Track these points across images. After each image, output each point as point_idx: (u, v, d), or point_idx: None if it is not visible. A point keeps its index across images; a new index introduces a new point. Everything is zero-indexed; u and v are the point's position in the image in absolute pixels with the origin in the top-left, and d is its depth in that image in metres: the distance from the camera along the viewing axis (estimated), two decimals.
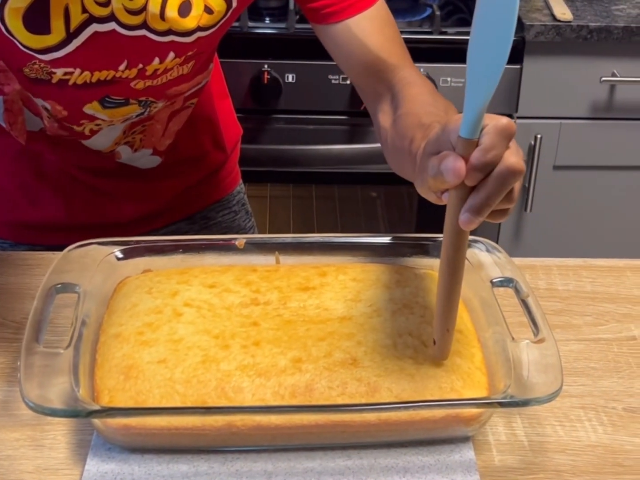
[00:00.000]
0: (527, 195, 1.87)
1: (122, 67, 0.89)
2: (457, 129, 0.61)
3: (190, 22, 0.87)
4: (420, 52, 1.73)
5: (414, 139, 0.76)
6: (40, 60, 0.86)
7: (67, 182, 1.09)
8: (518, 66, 1.75)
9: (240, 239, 0.88)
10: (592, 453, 0.74)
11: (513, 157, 0.61)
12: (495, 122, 0.60)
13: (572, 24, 1.72)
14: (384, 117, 0.91)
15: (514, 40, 1.75)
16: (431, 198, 0.67)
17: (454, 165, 0.60)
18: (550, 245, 1.93)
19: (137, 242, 0.87)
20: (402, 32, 1.78)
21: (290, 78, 1.74)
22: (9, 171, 1.08)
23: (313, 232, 2.04)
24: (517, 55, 1.74)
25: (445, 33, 1.75)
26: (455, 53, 1.73)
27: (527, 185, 1.86)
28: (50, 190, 1.09)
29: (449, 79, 1.72)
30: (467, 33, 1.84)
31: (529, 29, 1.72)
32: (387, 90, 0.92)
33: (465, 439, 0.73)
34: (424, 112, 0.81)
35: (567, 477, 0.71)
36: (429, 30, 1.76)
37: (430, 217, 1.98)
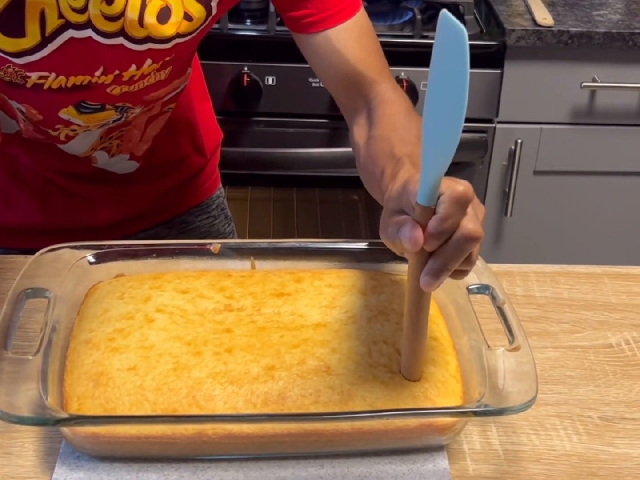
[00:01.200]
0: (507, 200, 1.87)
1: (97, 73, 0.88)
2: (416, 192, 0.62)
3: (169, 29, 0.86)
4: (401, 55, 1.73)
5: (384, 172, 0.77)
6: (15, 64, 0.85)
7: (43, 185, 1.08)
8: (499, 71, 1.75)
9: (215, 244, 0.87)
10: (567, 462, 0.73)
11: (470, 224, 0.61)
12: (451, 190, 0.61)
13: (553, 29, 1.72)
14: (358, 132, 0.91)
15: (495, 45, 1.76)
16: (395, 252, 0.68)
17: (411, 235, 0.61)
18: (530, 251, 1.93)
19: (110, 246, 0.85)
20: (382, 36, 1.78)
21: (270, 80, 1.73)
22: None
23: (294, 235, 2.03)
24: (498, 59, 1.74)
25: (426, 37, 1.75)
26: None
27: (507, 190, 1.86)
28: (26, 193, 1.08)
29: None
30: None
31: (510, 33, 1.72)
32: (363, 104, 0.92)
33: (439, 448, 0.72)
34: (397, 139, 0.81)
35: None
36: (410, 34, 1.76)
37: None
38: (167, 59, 0.90)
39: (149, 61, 0.89)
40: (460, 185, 0.61)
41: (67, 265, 0.82)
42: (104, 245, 0.85)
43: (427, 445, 0.72)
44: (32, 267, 0.81)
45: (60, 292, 0.79)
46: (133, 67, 0.88)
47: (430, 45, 1.86)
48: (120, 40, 0.85)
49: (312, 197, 2.16)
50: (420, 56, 1.73)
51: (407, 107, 0.90)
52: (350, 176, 1.92)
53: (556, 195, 1.90)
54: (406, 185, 0.64)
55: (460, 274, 0.66)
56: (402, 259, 0.88)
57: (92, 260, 0.84)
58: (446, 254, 0.62)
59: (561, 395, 0.80)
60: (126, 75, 0.89)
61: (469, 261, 0.64)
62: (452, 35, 0.55)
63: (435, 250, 0.62)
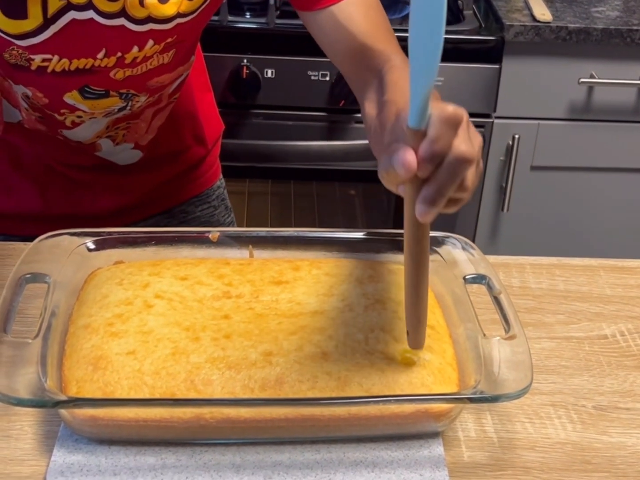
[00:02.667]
0: (504, 195, 1.87)
1: (100, 55, 0.88)
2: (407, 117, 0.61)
3: (169, 9, 0.86)
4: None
5: None
6: (18, 46, 0.85)
7: (44, 172, 1.08)
8: (497, 66, 1.75)
9: (214, 232, 0.87)
10: (561, 450, 0.74)
11: (463, 146, 0.60)
12: (440, 111, 0.59)
13: (551, 24, 1.72)
14: (369, 106, 0.89)
15: (493, 40, 1.76)
16: (394, 190, 0.66)
17: (404, 159, 0.59)
18: (526, 246, 1.94)
19: (110, 233, 0.86)
20: None
21: (269, 73, 1.74)
22: None
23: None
24: (496, 55, 1.75)
25: None
26: None
27: (504, 185, 1.87)
28: (27, 180, 1.08)
29: None
30: (447, 32, 1.84)
31: (508, 29, 1.72)
32: (373, 77, 0.90)
33: (434, 435, 0.73)
34: (404, 100, 0.80)
35: (536, 474, 0.71)
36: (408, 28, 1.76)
37: None
38: (169, 40, 0.90)
39: (150, 42, 0.89)
40: (450, 106, 0.60)
41: (67, 252, 0.83)
42: (103, 232, 0.86)
43: (422, 431, 0.73)
44: (32, 253, 0.81)
45: (60, 277, 0.79)
46: (135, 48, 0.89)
47: None
48: (121, 20, 0.85)
49: (310, 190, 2.16)
50: None
51: None
52: (347, 170, 1.93)
53: (553, 190, 1.90)
54: (399, 113, 0.64)
55: (455, 203, 0.64)
56: (400, 249, 0.89)
57: (92, 246, 0.84)
58: (439, 177, 0.60)
59: (556, 385, 0.81)
60: (128, 58, 0.89)
61: (464, 187, 0.62)
62: None
63: (429, 177, 0.61)
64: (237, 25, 1.75)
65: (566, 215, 1.94)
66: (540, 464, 0.72)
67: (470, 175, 0.62)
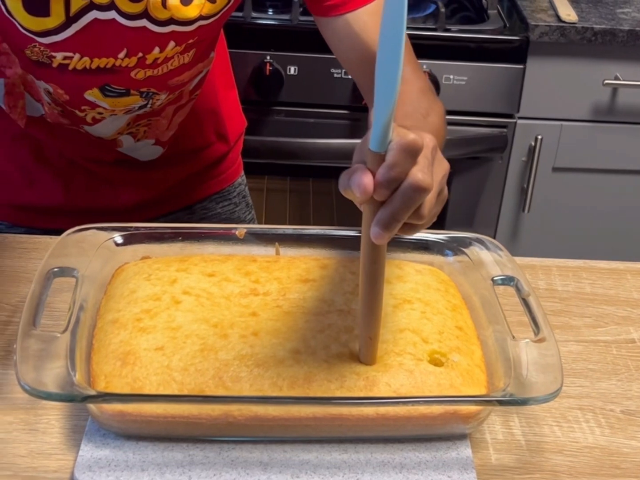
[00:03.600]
0: (525, 196, 1.86)
1: (121, 55, 0.88)
2: None
3: (192, 11, 0.86)
4: (423, 48, 1.71)
5: None
6: (40, 44, 0.86)
7: (67, 166, 1.08)
8: (521, 66, 1.75)
9: (240, 229, 0.87)
10: (589, 455, 0.73)
11: (419, 174, 0.60)
12: (400, 138, 0.60)
13: (576, 25, 1.71)
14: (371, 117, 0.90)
15: (518, 40, 1.75)
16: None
17: (360, 182, 0.60)
18: (547, 247, 1.93)
19: (137, 228, 0.86)
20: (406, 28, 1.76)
21: (292, 70, 1.74)
22: (8, 152, 1.07)
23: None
24: (520, 55, 1.74)
25: (449, 30, 1.75)
26: (458, 50, 1.72)
27: (525, 186, 1.86)
28: (50, 173, 1.09)
29: (451, 76, 1.72)
30: (471, 31, 1.85)
31: (533, 29, 1.71)
32: None
33: (462, 437, 0.72)
34: (401, 114, 0.80)
35: (564, 478, 0.71)
36: (433, 26, 1.75)
37: None
38: (191, 41, 0.90)
39: (172, 44, 0.89)
40: (411, 134, 0.60)
41: (94, 246, 0.83)
42: (131, 227, 0.86)
43: (450, 433, 0.72)
44: (60, 247, 0.81)
45: (88, 271, 0.79)
46: (156, 49, 0.89)
47: (452, 39, 1.86)
48: (143, 22, 0.85)
49: (328, 188, 2.16)
50: (443, 49, 1.73)
51: (422, 86, 0.89)
52: None
53: (575, 192, 1.89)
54: (367, 135, 0.63)
55: (410, 229, 0.64)
56: (425, 249, 0.89)
57: (119, 241, 0.84)
58: (393, 203, 0.61)
59: (583, 389, 0.80)
60: (150, 58, 0.89)
61: (418, 214, 0.62)
62: None
63: (385, 201, 0.61)
64: (260, 21, 1.75)
65: (587, 218, 1.92)
66: (569, 468, 0.72)
67: (428, 204, 0.63)
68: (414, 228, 0.65)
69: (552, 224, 1.93)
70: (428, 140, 0.64)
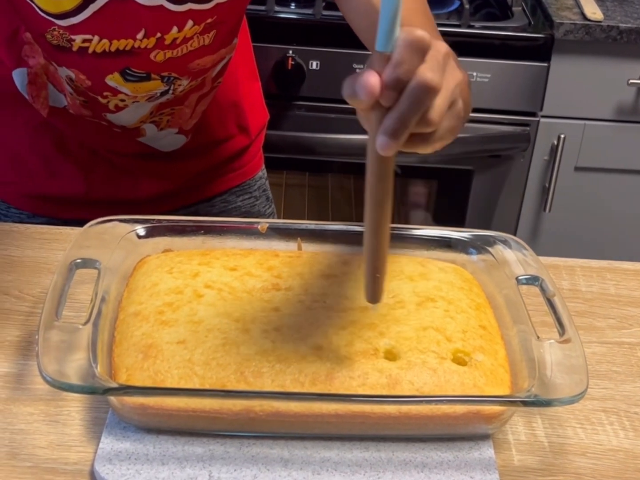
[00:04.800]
0: (546, 195, 1.85)
1: (139, 36, 0.87)
2: None
3: None
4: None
5: None
6: (59, 27, 0.86)
7: (88, 157, 1.08)
8: (545, 64, 1.73)
9: (262, 223, 0.87)
10: (613, 457, 0.72)
11: (428, 73, 0.56)
12: (407, 34, 0.56)
13: (602, 24, 1.70)
14: None
15: (543, 38, 1.74)
16: (365, 127, 0.62)
17: (366, 82, 0.56)
18: (568, 248, 1.92)
19: (159, 221, 0.86)
20: None
21: (314, 65, 1.73)
22: (30, 141, 1.07)
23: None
24: (545, 53, 1.72)
25: (472, 27, 1.74)
26: (482, 47, 1.71)
27: (547, 185, 1.85)
28: (71, 163, 1.09)
29: (475, 73, 1.70)
30: (495, 28, 1.83)
31: (558, 26, 1.70)
32: None
33: (484, 437, 0.72)
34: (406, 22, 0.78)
35: None
36: (457, 23, 1.74)
37: (447, 210, 1.97)
38: (209, 20, 0.90)
39: (190, 23, 0.88)
40: (419, 31, 0.56)
41: (116, 238, 0.82)
42: (153, 219, 0.85)
43: (472, 433, 0.71)
44: (82, 239, 0.81)
45: (110, 264, 0.79)
46: (174, 29, 0.88)
47: (476, 36, 1.85)
48: (160, 0, 0.85)
49: (347, 184, 2.15)
50: (467, 46, 1.72)
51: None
52: None
53: (597, 192, 1.88)
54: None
55: (421, 141, 0.60)
56: (448, 247, 0.88)
57: (141, 233, 0.84)
58: (400, 106, 0.57)
59: (607, 391, 0.79)
60: (168, 39, 0.89)
61: (427, 119, 0.58)
62: None
63: (392, 106, 0.57)
64: (283, 15, 1.74)
65: (610, 218, 1.91)
66: (592, 471, 0.71)
67: (437, 108, 0.58)
68: (425, 140, 0.60)
69: (573, 224, 1.91)
70: (440, 46, 0.60)
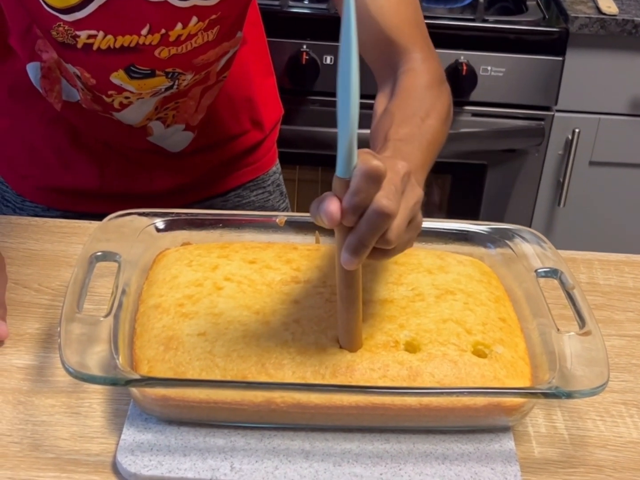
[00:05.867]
0: (561, 190, 1.85)
1: (144, 32, 0.88)
2: None
3: None
4: (461, 39, 1.71)
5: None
6: (65, 22, 0.86)
7: (102, 150, 1.09)
8: (560, 58, 1.73)
9: (281, 217, 0.87)
10: (634, 450, 0.72)
11: (384, 200, 0.60)
12: (363, 164, 0.59)
13: (617, 17, 1.69)
14: (380, 100, 0.88)
15: (557, 32, 1.73)
16: None
17: (327, 209, 0.60)
18: (582, 242, 1.91)
19: (177, 214, 0.86)
20: (442, 19, 1.75)
21: (328, 60, 1.73)
22: (45, 134, 1.08)
23: None
24: (559, 47, 1.72)
25: (487, 21, 1.73)
26: (497, 42, 1.70)
27: (561, 180, 1.84)
28: (85, 157, 1.09)
29: (489, 67, 1.70)
30: (509, 22, 1.82)
31: (573, 20, 1.69)
32: (391, 74, 0.89)
33: (505, 429, 0.72)
34: (399, 118, 0.80)
35: (609, 472, 0.70)
36: (471, 17, 1.74)
37: (461, 205, 1.96)
38: (214, 17, 0.90)
39: (194, 19, 0.89)
40: (374, 160, 0.59)
41: (136, 231, 0.83)
42: (171, 213, 0.86)
43: (493, 425, 0.71)
44: (101, 232, 0.82)
45: (130, 256, 0.80)
46: (179, 25, 0.88)
47: (490, 30, 1.84)
48: None
49: None
50: (481, 40, 1.71)
51: (429, 80, 0.87)
52: None
53: (611, 187, 1.87)
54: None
55: (381, 254, 0.64)
56: (466, 240, 0.88)
57: (160, 227, 0.85)
58: (360, 229, 0.61)
59: (627, 384, 0.79)
60: (173, 35, 0.89)
61: (385, 239, 0.61)
62: (346, 9, 0.56)
63: (353, 227, 0.61)
64: (297, 10, 1.74)
65: (624, 213, 1.90)
66: (613, 463, 0.71)
67: (395, 229, 0.62)
68: (386, 253, 0.64)
69: (587, 218, 1.91)
70: (400, 168, 0.64)
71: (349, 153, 0.59)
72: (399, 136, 0.75)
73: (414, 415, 0.69)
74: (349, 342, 0.71)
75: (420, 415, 0.69)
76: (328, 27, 1.73)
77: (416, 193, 0.65)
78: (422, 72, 0.87)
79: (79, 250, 0.79)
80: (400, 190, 0.63)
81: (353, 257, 0.61)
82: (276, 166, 1.25)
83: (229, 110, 1.12)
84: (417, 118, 0.80)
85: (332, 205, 0.60)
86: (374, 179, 0.59)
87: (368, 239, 0.61)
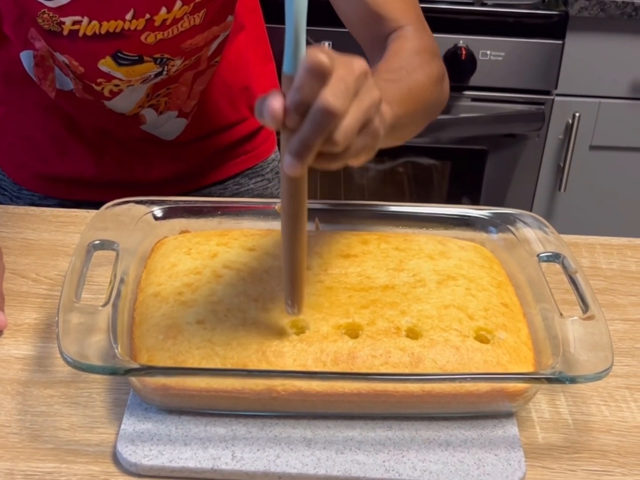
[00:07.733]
0: (561, 174, 1.84)
1: (129, 17, 0.87)
2: None
3: None
4: (459, 23, 1.70)
5: None
6: (49, 9, 0.86)
7: (99, 138, 1.08)
8: (560, 42, 1.71)
9: (279, 204, 0.86)
10: (638, 434, 0.72)
11: (329, 97, 0.55)
12: (307, 58, 0.55)
13: (617, 0, 1.67)
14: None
15: (557, 15, 1.71)
16: None
17: (269, 106, 0.56)
18: (583, 227, 1.90)
19: (175, 202, 0.85)
20: (441, 2, 1.73)
21: (327, 45, 1.71)
22: (40, 122, 1.07)
23: None
24: (559, 30, 1.71)
25: (485, 5, 1.72)
26: (496, 25, 1.69)
27: (561, 164, 1.83)
28: (82, 145, 1.08)
29: (488, 52, 1.69)
30: (508, 5, 1.81)
31: (572, 3, 1.68)
32: (382, 45, 0.86)
33: (508, 415, 0.71)
34: (384, 68, 0.77)
35: (613, 457, 0.69)
36: (470, 1, 1.72)
37: (461, 191, 1.95)
38: (198, 0, 0.89)
39: (179, 3, 0.88)
40: (320, 54, 0.55)
41: (133, 220, 0.82)
42: (169, 200, 0.85)
43: (496, 411, 0.71)
44: (99, 220, 0.81)
45: (127, 245, 0.79)
46: (163, 9, 0.88)
47: (489, 14, 1.82)
48: None
49: (361, 166, 2.14)
50: (480, 24, 1.70)
51: (419, 46, 0.84)
52: (397, 147, 1.90)
53: (612, 171, 1.86)
54: None
55: (329, 159, 0.59)
56: (467, 225, 0.87)
57: (158, 215, 0.84)
58: (302, 129, 0.56)
59: (631, 368, 0.79)
60: (158, 20, 0.88)
61: (332, 140, 0.57)
62: None
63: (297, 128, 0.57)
64: None
65: (625, 197, 1.89)
66: (617, 448, 0.70)
67: (344, 129, 0.57)
68: (335, 158, 0.59)
69: (588, 203, 1.90)
70: (356, 66, 0.58)
71: (295, 45, 0.56)
72: (379, 74, 0.72)
73: (416, 402, 0.69)
74: (291, 268, 0.66)
75: (423, 401, 0.69)
76: (326, 12, 1.71)
77: (372, 95, 0.60)
78: (413, 39, 0.85)
79: (77, 239, 0.79)
80: (352, 89, 0.58)
81: (295, 161, 0.57)
82: (275, 154, 1.24)
83: (227, 97, 1.11)
84: (402, 71, 0.77)
85: (276, 102, 0.55)
86: (318, 74, 0.55)
87: (311, 139, 0.56)
